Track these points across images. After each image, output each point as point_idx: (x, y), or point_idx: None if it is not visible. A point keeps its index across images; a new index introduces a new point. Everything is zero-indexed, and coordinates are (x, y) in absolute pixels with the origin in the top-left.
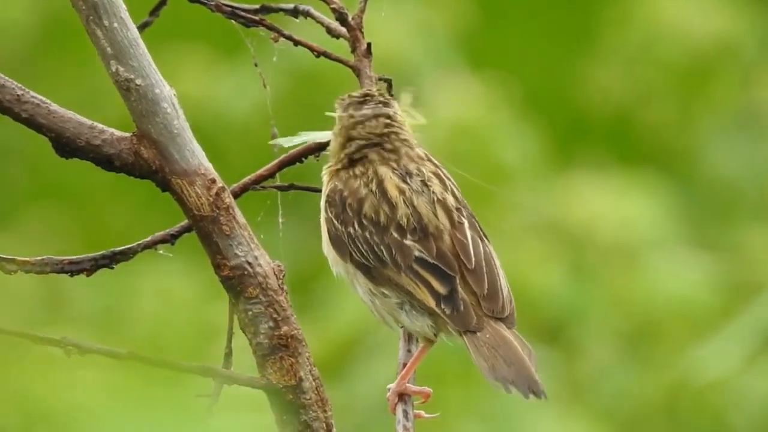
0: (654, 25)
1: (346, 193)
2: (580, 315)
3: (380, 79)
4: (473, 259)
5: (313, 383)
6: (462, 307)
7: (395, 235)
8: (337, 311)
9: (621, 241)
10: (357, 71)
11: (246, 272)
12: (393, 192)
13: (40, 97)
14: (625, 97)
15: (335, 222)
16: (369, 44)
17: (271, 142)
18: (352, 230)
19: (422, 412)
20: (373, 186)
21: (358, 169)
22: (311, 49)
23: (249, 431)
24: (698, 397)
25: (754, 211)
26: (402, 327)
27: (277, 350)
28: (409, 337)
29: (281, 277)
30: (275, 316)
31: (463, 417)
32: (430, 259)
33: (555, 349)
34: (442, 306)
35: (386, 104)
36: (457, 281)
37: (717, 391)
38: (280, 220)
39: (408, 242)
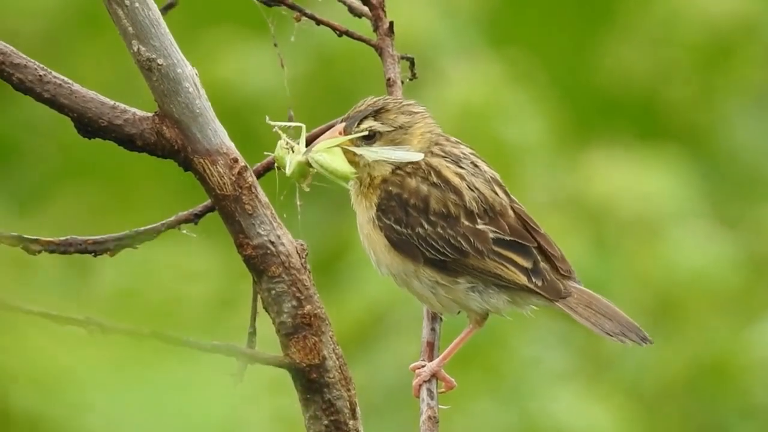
0: (674, 3)
1: (406, 195)
2: (602, 290)
3: (403, 58)
4: (539, 224)
5: (337, 362)
6: (548, 276)
7: (467, 222)
8: (360, 291)
9: (642, 216)
10: (379, 50)
11: (269, 251)
12: (455, 179)
13: (62, 77)
14: (646, 76)
15: (396, 227)
16: (391, 23)
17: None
18: (421, 230)
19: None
20: (433, 178)
21: (408, 168)
22: (333, 28)
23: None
24: (723, 374)
25: None
26: (459, 312)
27: (301, 329)
28: (433, 316)
29: (304, 256)
30: (298, 294)
31: (483, 398)
32: (507, 237)
33: (577, 325)
34: (534, 280)
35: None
36: (534, 250)
37: (742, 366)
38: (298, 203)
39: (481, 227)
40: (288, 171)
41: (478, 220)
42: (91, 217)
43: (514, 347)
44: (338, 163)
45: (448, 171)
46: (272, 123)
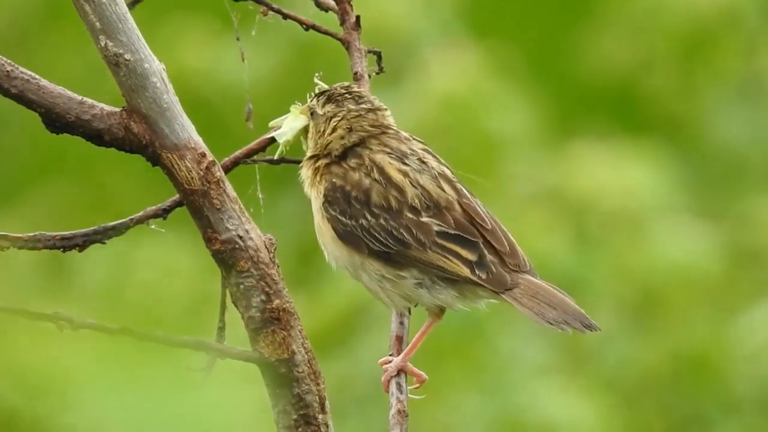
0: None
1: (348, 188)
2: (584, 284)
3: (370, 52)
4: (487, 219)
5: (306, 356)
6: (494, 269)
7: (410, 215)
8: (339, 283)
9: (624, 209)
10: (346, 44)
11: (237, 246)
12: (397, 176)
13: (30, 72)
14: (628, 66)
15: (342, 219)
16: (358, 17)
17: (250, 118)
18: (364, 221)
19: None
20: (375, 174)
21: (353, 162)
22: (300, 22)
23: (239, 404)
24: (704, 367)
25: (758, 179)
26: (415, 306)
27: (270, 323)
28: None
29: (273, 250)
30: (267, 289)
31: (463, 392)
32: (451, 231)
33: None
34: (477, 273)
35: (371, 99)
36: (481, 245)
37: (724, 360)
38: (260, 195)
39: (425, 219)
40: (289, 136)
41: (423, 214)
42: (63, 213)
43: (494, 341)
44: (289, 126)
45: (391, 168)
46: (318, 82)
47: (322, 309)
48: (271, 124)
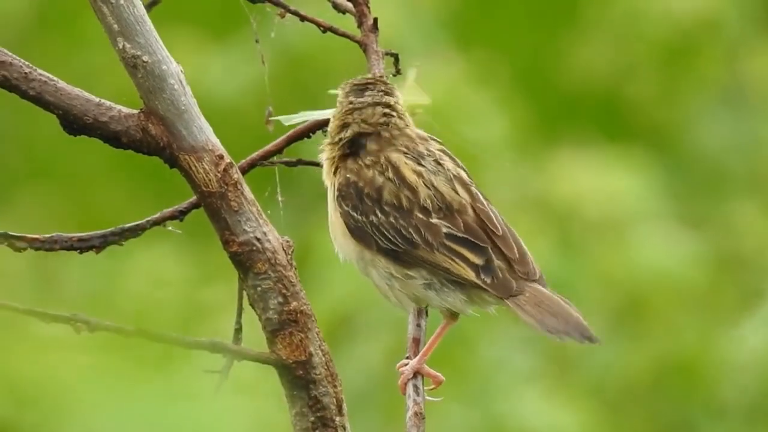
0: (637, 1)
1: (361, 184)
2: (568, 290)
3: (387, 54)
4: (499, 226)
5: (323, 358)
6: (500, 275)
7: (420, 216)
8: (334, 286)
9: (607, 216)
10: (364, 46)
11: (255, 248)
12: (411, 176)
13: (47, 74)
14: (610, 74)
15: (353, 214)
16: (375, 19)
17: (270, 119)
18: (374, 218)
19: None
20: (390, 173)
21: (368, 159)
22: (318, 24)
23: (253, 409)
24: (689, 372)
25: (741, 185)
26: (423, 307)
27: (287, 325)
28: (419, 312)
29: (290, 252)
30: (284, 291)
31: (447, 400)
32: (459, 234)
33: None
34: (482, 277)
35: (387, 93)
36: (490, 250)
37: (709, 366)
38: (280, 198)
39: (434, 221)
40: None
41: (434, 215)
42: (49, 219)
43: (478, 348)
44: None
45: (406, 168)
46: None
47: (320, 310)
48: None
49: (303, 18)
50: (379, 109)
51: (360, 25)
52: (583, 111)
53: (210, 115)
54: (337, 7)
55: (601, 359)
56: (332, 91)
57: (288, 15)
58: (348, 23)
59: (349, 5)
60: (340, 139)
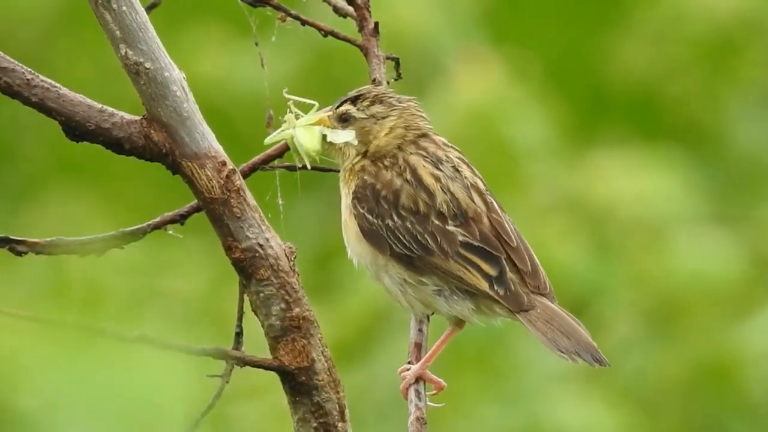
0: (679, 0)
1: (379, 186)
2: (604, 292)
3: (388, 58)
4: (513, 237)
5: (326, 364)
6: (513, 287)
7: (437, 222)
8: (356, 290)
9: (644, 217)
10: (364, 50)
11: (257, 254)
12: (429, 180)
13: (49, 81)
14: (649, 73)
15: (368, 217)
16: (376, 23)
17: (270, 121)
18: (390, 222)
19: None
20: (408, 175)
21: (387, 161)
22: (318, 28)
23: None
24: (724, 376)
25: None
26: (432, 314)
27: (290, 332)
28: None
29: (292, 258)
30: (287, 297)
31: (481, 402)
32: (475, 243)
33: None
34: (496, 288)
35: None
36: (503, 261)
37: (744, 368)
38: (280, 202)
39: (451, 228)
40: (267, 139)
41: (450, 222)
42: (76, 217)
43: (512, 349)
44: (308, 140)
45: (425, 171)
46: (288, 96)
47: (340, 315)
48: (267, 141)
49: (304, 22)
50: (423, 113)
51: (361, 29)
52: (620, 110)
53: (237, 112)
54: (338, 11)
55: (635, 361)
56: (344, 109)
57: (289, 19)
58: (349, 27)
59: (350, 9)
60: (405, 140)
